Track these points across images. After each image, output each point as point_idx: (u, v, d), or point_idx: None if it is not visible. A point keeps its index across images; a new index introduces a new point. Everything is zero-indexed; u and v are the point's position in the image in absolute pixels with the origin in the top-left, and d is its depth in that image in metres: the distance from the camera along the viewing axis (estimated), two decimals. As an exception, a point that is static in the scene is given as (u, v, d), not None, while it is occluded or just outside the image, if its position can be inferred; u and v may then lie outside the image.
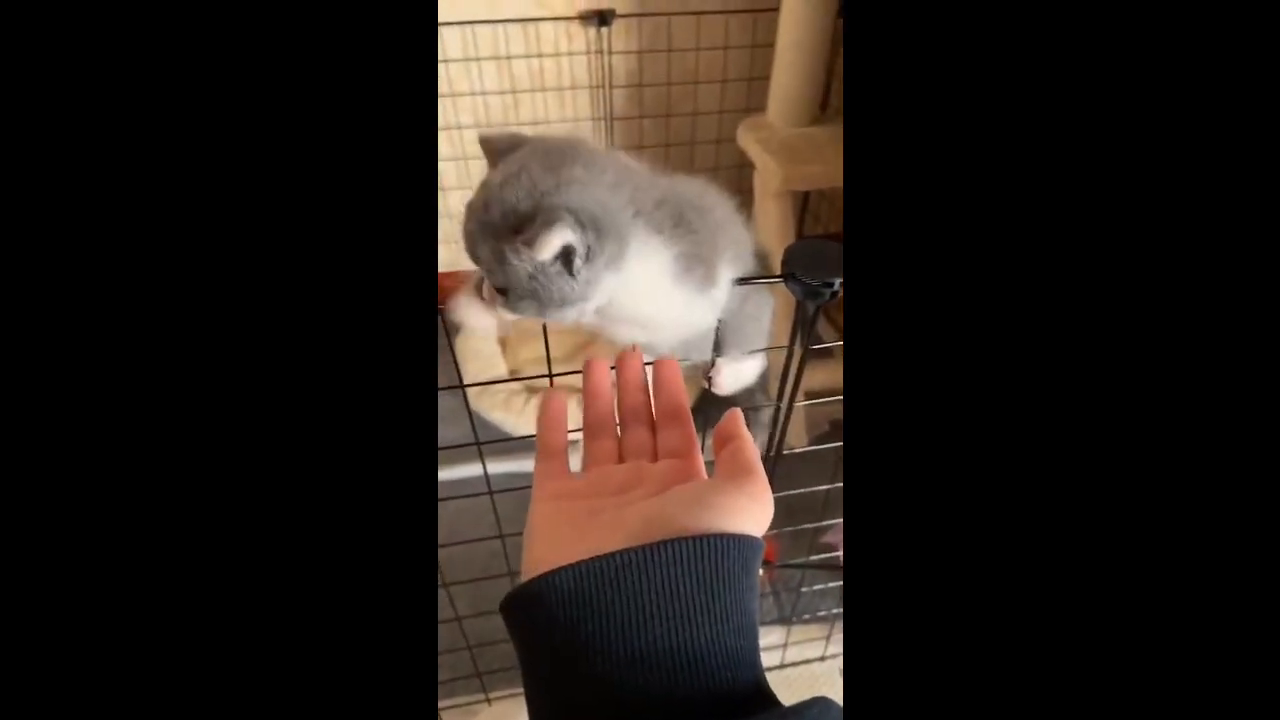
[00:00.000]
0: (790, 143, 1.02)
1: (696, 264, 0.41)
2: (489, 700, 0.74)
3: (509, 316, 0.40)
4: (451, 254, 1.34)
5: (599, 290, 0.38)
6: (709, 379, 0.49)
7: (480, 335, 1.23)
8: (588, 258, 0.36)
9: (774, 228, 1.04)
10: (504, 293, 0.38)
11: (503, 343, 1.25)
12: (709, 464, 0.31)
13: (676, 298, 0.42)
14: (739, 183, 1.31)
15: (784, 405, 0.49)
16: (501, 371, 1.20)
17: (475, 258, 0.38)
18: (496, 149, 0.39)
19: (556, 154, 0.37)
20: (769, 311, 0.51)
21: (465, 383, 0.46)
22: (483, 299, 0.42)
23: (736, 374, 0.50)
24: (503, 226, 0.36)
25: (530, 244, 0.34)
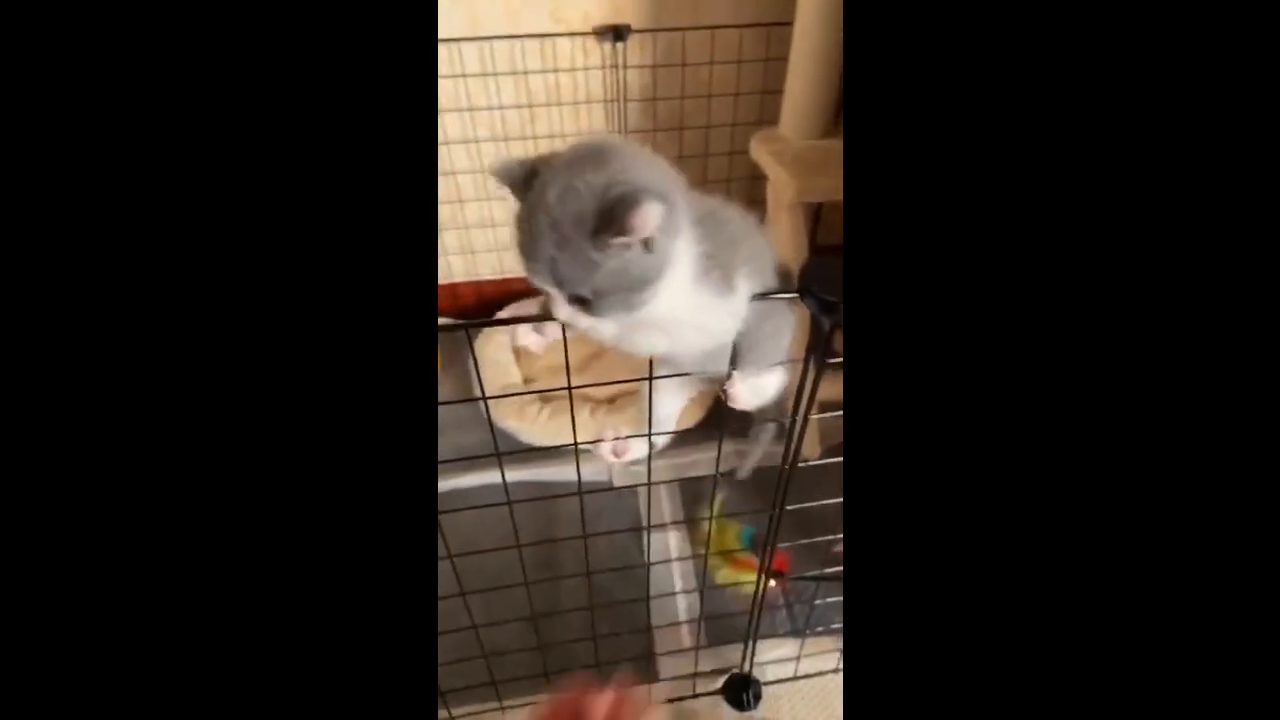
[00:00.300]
0: (803, 155, 1.03)
1: (714, 267, 0.42)
2: (503, 709, 0.74)
3: (584, 324, 0.40)
4: (468, 263, 1.36)
5: (670, 261, 0.39)
6: (725, 392, 0.50)
7: (496, 344, 1.24)
8: (664, 229, 0.37)
9: (787, 239, 1.04)
10: (586, 303, 0.39)
11: (517, 351, 1.26)
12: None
13: (694, 299, 0.42)
14: (751, 194, 1.32)
15: (799, 418, 0.49)
16: (516, 379, 1.21)
17: (557, 281, 0.38)
18: (516, 179, 0.40)
19: (595, 154, 0.38)
20: (789, 331, 0.52)
21: (482, 392, 0.47)
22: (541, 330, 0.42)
23: (755, 389, 0.50)
24: (582, 234, 0.37)
25: (626, 230, 0.35)
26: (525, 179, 0.39)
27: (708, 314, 0.44)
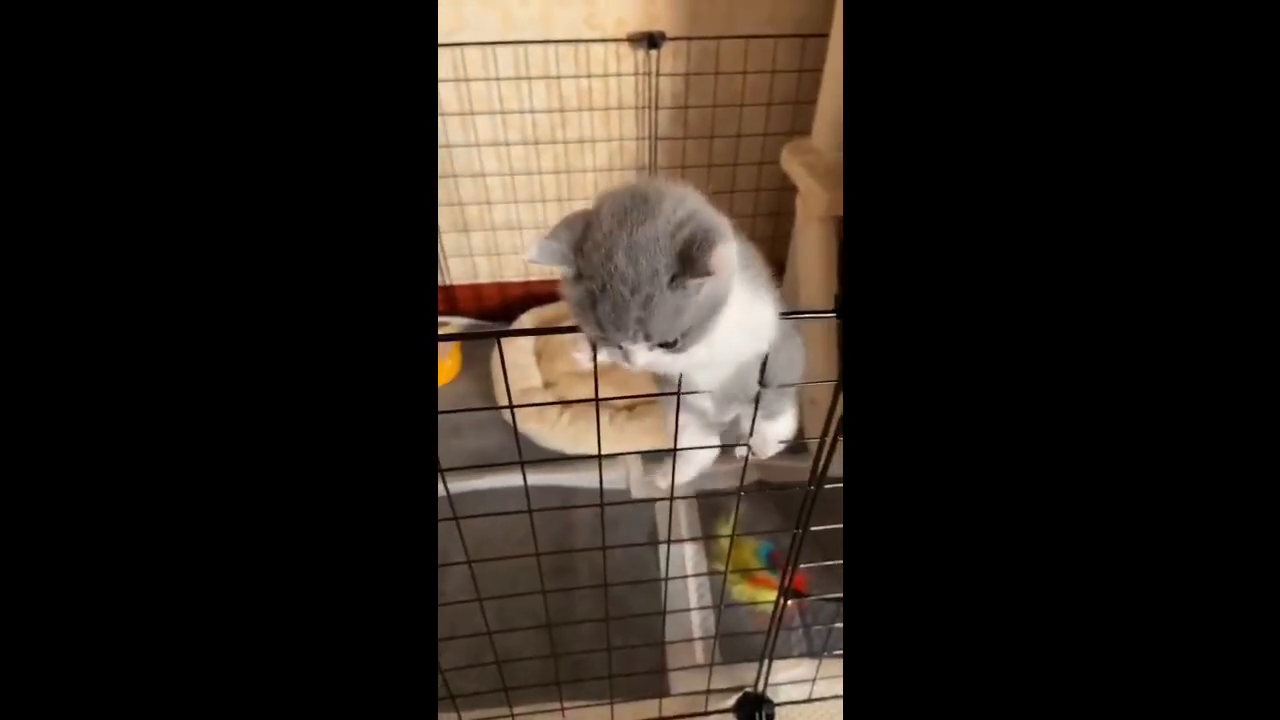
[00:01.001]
0: (836, 167, 1.02)
1: (748, 265, 0.43)
2: (513, 716, 0.74)
3: (665, 361, 0.41)
4: (493, 265, 1.37)
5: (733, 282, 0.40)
6: (749, 447, 0.51)
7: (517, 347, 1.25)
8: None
9: (817, 251, 1.03)
10: (670, 345, 0.39)
11: (538, 354, 1.26)
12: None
13: (740, 293, 0.42)
14: (780, 205, 1.31)
15: (828, 440, 0.48)
16: (536, 381, 1.21)
17: (646, 337, 0.38)
18: (564, 254, 0.38)
19: (637, 203, 0.38)
20: (801, 365, 0.52)
21: (510, 400, 0.46)
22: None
23: (777, 435, 0.51)
24: (664, 285, 0.37)
25: (708, 271, 0.35)
26: (571, 246, 0.38)
27: (749, 310, 0.43)
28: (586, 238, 0.38)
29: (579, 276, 0.38)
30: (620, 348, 0.39)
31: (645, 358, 0.40)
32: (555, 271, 0.40)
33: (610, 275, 0.36)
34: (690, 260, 0.36)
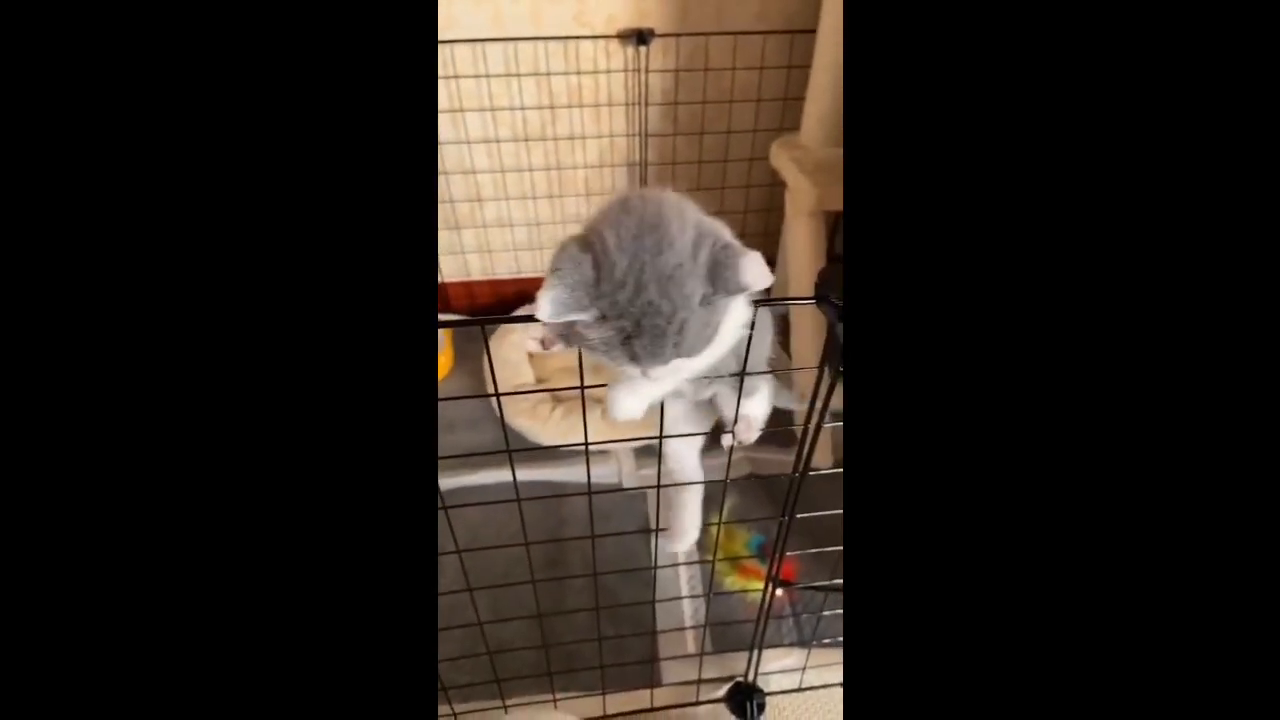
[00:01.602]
0: (825, 163, 1.02)
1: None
2: (505, 708, 0.74)
3: (679, 363, 0.41)
4: (485, 262, 1.37)
5: None
6: (733, 433, 0.51)
7: (510, 345, 1.25)
8: None
9: (805, 247, 1.04)
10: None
11: (530, 351, 1.27)
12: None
13: None
14: (769, 201, 1.32)
15: (812, 427, 0.49)
16: (529, 378, 1.21)
17: (678, 352, 0.39)
18: (580, 301, 0.38)
19: (648, 226, 0.38)
20: (769, 338, 0.54)
21: (495, 389, 0.47)
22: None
23: (760, 417, 0.52)
24: (695, 306, 0.37)
25: (744, 287, 0.36)
26: (588, 294, 0.38)
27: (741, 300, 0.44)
28: (601, 278, 0.37)
29: (602, 318, 0.38)
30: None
31: (664, 370, 0.40)
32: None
33: (644, 311, 0.36)
34: (723, 280, 0.36)
